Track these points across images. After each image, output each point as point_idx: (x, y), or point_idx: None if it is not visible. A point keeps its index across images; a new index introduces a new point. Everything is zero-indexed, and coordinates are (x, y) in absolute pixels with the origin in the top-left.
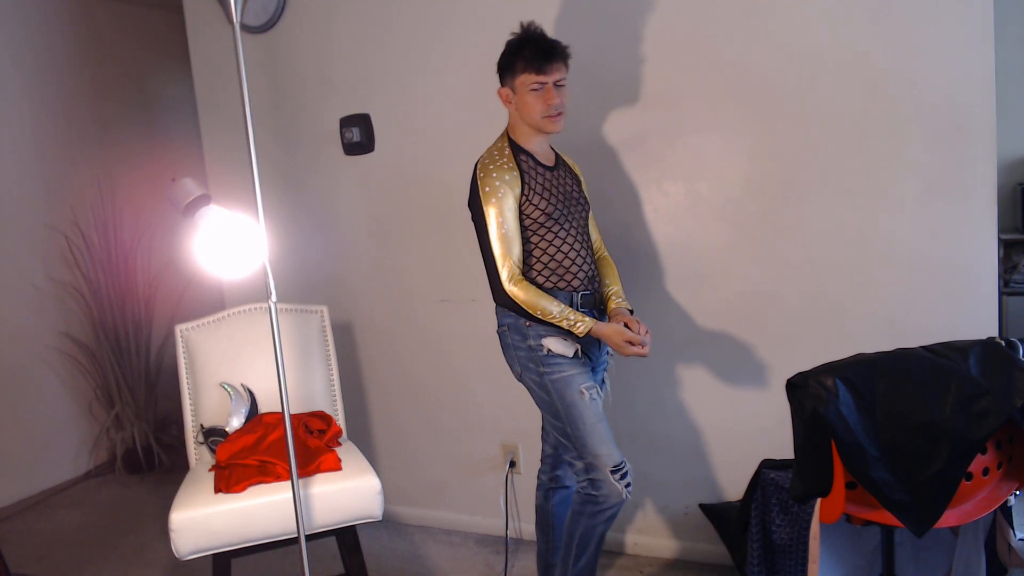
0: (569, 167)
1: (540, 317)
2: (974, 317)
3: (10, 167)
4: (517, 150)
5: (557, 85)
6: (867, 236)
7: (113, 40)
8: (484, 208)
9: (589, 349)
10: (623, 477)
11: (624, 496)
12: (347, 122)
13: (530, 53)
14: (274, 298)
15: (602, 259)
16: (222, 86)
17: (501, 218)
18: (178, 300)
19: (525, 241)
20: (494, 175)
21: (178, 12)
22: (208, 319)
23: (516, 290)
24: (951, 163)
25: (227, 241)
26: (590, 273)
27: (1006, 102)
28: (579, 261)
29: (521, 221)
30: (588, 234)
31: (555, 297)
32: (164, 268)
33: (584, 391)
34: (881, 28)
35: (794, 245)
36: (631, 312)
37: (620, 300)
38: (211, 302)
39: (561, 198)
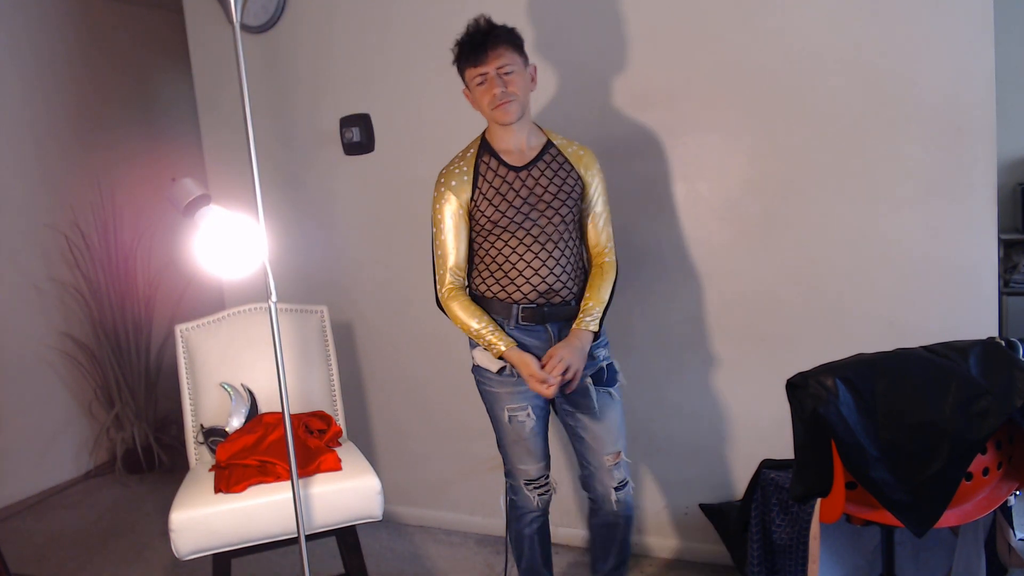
0: (563, 163)
1: (462, 330)
2: (974, 317)
3: (10, 167)
4: (484, 151)
5: (503, 73)
6: (867, 236)
7: (113, 40)
8: (432, 212)
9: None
10: (537, 488)
11: (536, 504)
12: (347, 122)
13: (465, 47)
14: (274, 298)
15: (595, 267)
16: (222, 86)
17: (443, 224)
18: (178, 300)
19: (478, 247)
20: (443, 180)
21: (178, 12)
22: (208, 319)
23: (446, 299)
24: (951, 163)
25: (227, 241)
26: (549, 286)
27: (1006, 102)
28: (528, 273)
29: (472, 226)
30: (560, 240)
31: (494, 307)
32: (164, 268)
33: (506, 411)
34: (881, 28)
35: (794, 245)
36: (597, 335)
37: (588, 319)
38: (211, 302)
39: (518, 203)
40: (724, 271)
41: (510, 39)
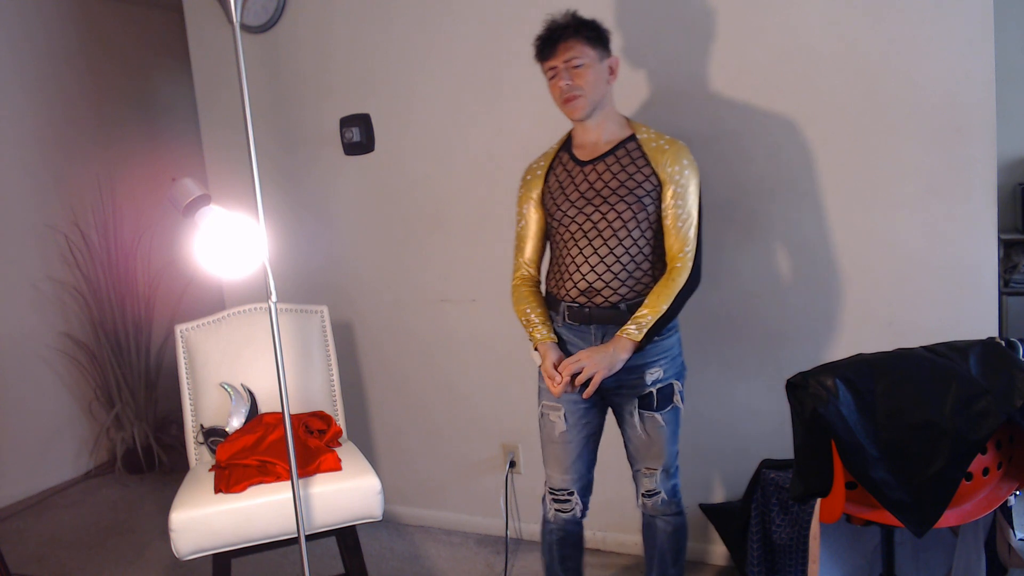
0: (637, 158)
1: (518, 318)
2: (974, 317)
3: (10, 167)
4: (564, 146)
5: (572, 67)
6: (867, 236)
7: (113, 40)
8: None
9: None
10: (556, 500)
11: (551, 516)
12: (347, 122)
13: (539, 42)
14: (274, 298)
15: (665, 273)
16: (222, 86)
17: (519, 216)
18: (178, 300)
19: (550, 242)
20: (524, 174)
21: (178, 12)
22: (208, 319)
23: (513, 288)
24: (951, 163)
25: (227, 241)
26: (589, 284)
27: (1006, 102)
28: (571, 268)
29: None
30: (614, 238)
31: (551, 303)
32: (164, 268)
33: (542, 406)
34: (882, 28)
35: (794, 245)
36: (641, 346)
37: (633, 328)
38: (211, 302)
39: (574, 197)
40: (724, 271)
41: (582, 32)
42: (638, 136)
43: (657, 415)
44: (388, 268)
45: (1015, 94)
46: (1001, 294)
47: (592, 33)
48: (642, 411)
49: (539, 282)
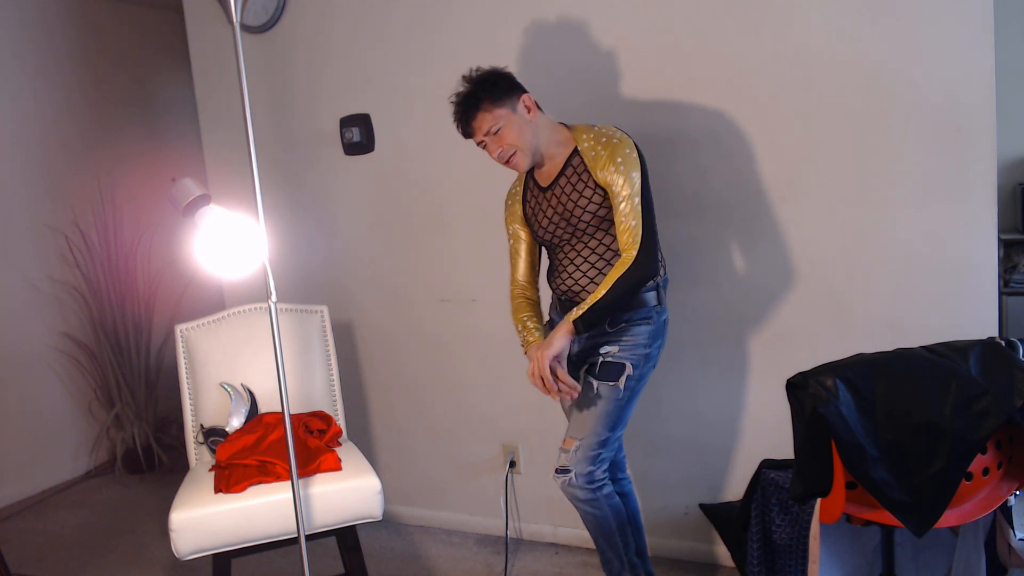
0: (582, 173)
1: (515, 326)
2: (974, 317)
3: (11, 167)
4: (530, 172)
5: (492, 133)
6: (867, 236)
7: (113, 40)
8: None
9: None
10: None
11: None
12: (347, 122)
13: (456, 125)
14: (274, 298)
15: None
16: (222, 86)
17: (508, 236)
18: (178, 300)
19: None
20: (505, 199)
21: (178, 12)
22: (208, 319)
23: (511, 301)
24: (951, 163)
25: (227, 241)
26: (568, 287)
27: (1006, 102)
28: (559, 269)
29: None
30: (580, 244)
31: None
32: (164, 268)
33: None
34: (881, 28)
35: (794, 245)
36: (578, 328)
37: (576, 312)
38: (211, 302)
39: (544, 222)
40: (724, 271)
41: (486, 98)
42: (579, 148)
43: (595, 381)
44: (388, 268)
45: (1015, 94)
46: (1001, 294)
47: (495, 91)
48: (587, 376)
49: (534, 292)
